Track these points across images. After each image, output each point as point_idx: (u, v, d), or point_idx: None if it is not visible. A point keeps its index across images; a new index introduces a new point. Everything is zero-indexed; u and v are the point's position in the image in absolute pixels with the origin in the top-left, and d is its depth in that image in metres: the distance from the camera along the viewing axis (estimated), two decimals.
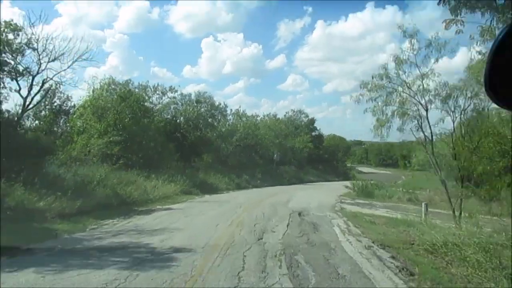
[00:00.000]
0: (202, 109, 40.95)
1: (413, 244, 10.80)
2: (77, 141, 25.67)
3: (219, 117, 43.28)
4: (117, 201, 16.94)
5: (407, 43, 17.32)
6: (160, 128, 33.28)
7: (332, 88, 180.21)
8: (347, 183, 52.03)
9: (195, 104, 39.92)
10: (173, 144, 32.90)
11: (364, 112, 17.99)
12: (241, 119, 45.56)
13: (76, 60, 20.11)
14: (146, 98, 34.97)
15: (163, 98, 38.19)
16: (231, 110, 45.74)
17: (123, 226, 12.37)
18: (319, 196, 27.74)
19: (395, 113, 16.82)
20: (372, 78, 17.40)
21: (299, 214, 17.22)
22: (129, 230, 11.39)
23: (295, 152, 54.32)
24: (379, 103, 16.95)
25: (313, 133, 62.47)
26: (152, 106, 36.06)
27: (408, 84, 17.09)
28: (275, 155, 43.95)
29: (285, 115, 61.74)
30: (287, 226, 13.37)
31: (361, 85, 17.87)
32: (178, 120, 37.49)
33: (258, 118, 50.89)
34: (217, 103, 42.38)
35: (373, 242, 11.24)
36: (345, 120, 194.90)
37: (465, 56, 25.41)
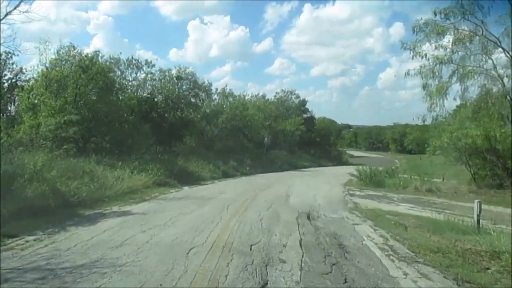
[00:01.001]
0: (184, 87, 35.81)
1: None
2: (24, 121, 20.56)
3: (203, 96, 38.11)
4: (56, 202, 11.81)
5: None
6: (132, 106, 28.13)
7: (319, 71, 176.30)
8: (348, 168, 47.64)
9: (176, 81, 34.71)
10: (149, 126, 27.83)
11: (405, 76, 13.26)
12: (227, 98, 40.38)
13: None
14: (118, 72, 29.73)
15: (139, 74, 32.78)
16: (216, 89, 40.59)
17: (35, 252, 7.35)
18: (321, 186, 23.06)
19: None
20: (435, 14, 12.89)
21: (308, 216, 12.49)
22: (32, 268, 6.40)
23: (286, 136, 49.63)
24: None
25: (305, 115, 57.67)
26: (125, 82, 30.84)
27: None
28: (265, 138, 39.03)
29: (275, 96, 56.79)
30: (300, 245, 8.52)
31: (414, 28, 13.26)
32: (155, 99, 32.25)
33: (247, 98, 45.88)
34: (200, 81, 37.20)
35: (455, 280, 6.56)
36: (331, 104, 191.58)
37: None
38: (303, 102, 58.22)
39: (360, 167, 27.29)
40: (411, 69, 22.56)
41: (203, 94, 37.94)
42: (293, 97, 57.43)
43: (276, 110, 52.48)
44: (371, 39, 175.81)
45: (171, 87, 33.73)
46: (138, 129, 26.59)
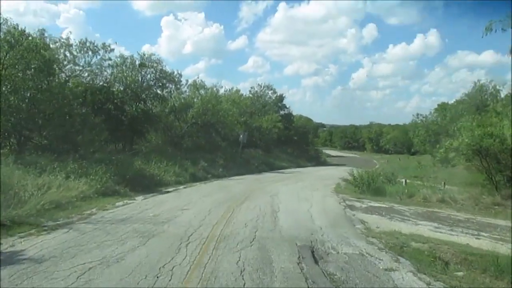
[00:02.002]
0: (149, 76, 30.82)
1: None
2: None
3: (172, 88, 33.22)
4: None
5: None
6: (82, 96, 23.00)
7: (293, 70, 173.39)
8: (330, 170, 43.57)
9: (138, 69, 29.67)
10: (102, 119, 22.83)
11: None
12: (198, 91, 35.36)
13: None
14: (69, 56, 24.42)
15: (95, 59, 27.45)
16: (186, 80, 35.55)
17: None
18: (311, 194, 18.57)
19: None
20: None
21: (313, 254, 8.02)
22: None
23: (263, 133, 45.13)
24: None
25: (282, 112, 53.24)
26: (77, 68, 25.56)
27: None
28: (241, 136, 34.27)
29: (250, 91, 52.08)
30: None
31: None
32: (112, 88, 27.09)
33: (221, 91, 41.10)
34: (169, 70, 32.26)
35: None
36: (304, 103, 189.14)
37: None
38: (281, 98, 53.77)
39: (355, 170, 23.00)
40: None
41: (171, 85, 33.11)
42: (270, 92, 52.94)
43: (252, 105, 47.91)
44: (344, 39, 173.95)
45: (133, 75, 28.68)
46: (88, 122, 21.65)
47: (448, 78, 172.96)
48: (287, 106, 55.11)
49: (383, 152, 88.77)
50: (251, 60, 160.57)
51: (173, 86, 33.41)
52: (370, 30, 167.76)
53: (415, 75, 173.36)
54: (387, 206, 16.70)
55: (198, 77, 35.12)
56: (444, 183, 24.23)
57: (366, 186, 19.89)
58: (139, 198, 14.76)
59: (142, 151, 25.67)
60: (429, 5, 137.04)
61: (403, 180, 23.61)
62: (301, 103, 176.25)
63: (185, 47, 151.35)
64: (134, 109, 27.60)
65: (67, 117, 19.81)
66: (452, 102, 55.77)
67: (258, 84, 53.12)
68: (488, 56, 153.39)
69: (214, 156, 31.66)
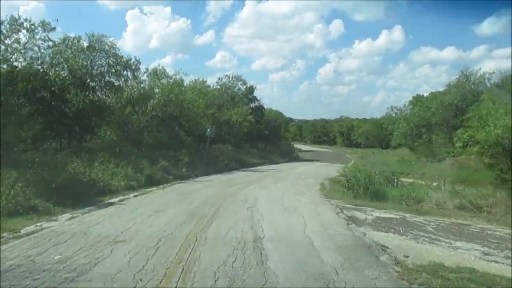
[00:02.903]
0: (100, 61, 25.94)
1: None
2: None
3: (128, 77, 28.44)
4: None
5: None
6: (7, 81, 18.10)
7: (261, 65, 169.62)
8: (305, 165, 39.62)
9: (87, 52, 24.80)
10: (33, 108, 18.04)
11: None
12: (160, 80, 30.65)
13: None
14: None
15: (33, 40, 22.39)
16: (146, 69, 30.77)
17: None
18: (298, 201, 14.52)
19: None
20: None
21: None
22: None
23: (232, 127, 40.84)
24: None
25: (253, 104, 48.98)
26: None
27: None
28: (208, 130, 29.75)
29: (217, 82, 47.53)
30: None
31: None
32: (52, 73, 22.10)
33: (186, 81, 36.51)
34: (125, 57, 27.45)
35: None
36: (272, 98, 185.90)
37: None
38: (251, 90, 49.45)
39: (347, 169, 19.12)
40: None
41: (128, 73, 28.32)
42: (239, 83, 48.50)
43: (220, 97, 43.49)
44: (311, 35, 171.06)
45: (78, 59, 23.79)
46: (14, 115, 16.88)
47: (412, 73, 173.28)
48: (258, 99, 50.97)
49: (354, 146, 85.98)
50: (219, 55, 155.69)
51: (131, 75, 28.63)
52: (337, 26, 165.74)
53: (380, 70, 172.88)
54: (398, 217, 12.80)
55: (159, 65, 29.94)
56: (444, 182, 20.74)
57: (363, 189, 15.91)
58: (64, 217, 10.19)
59: (85, 149, 20.87)
60: (393, 2, 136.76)
61: (403, 181, 19.91)
62: (269, 98, 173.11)
63: (151, 42, 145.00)
64: (80, 99, 22.83)
65: None
66: (427, 95, 53.35)
67: (226, 75, 48.58)
68: (449, 52, 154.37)
69: (177, 153, 27.22)
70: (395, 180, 18.25)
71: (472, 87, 32.91)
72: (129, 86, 28.51)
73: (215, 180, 21.55)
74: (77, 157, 16.88)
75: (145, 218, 9.96)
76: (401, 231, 10.63)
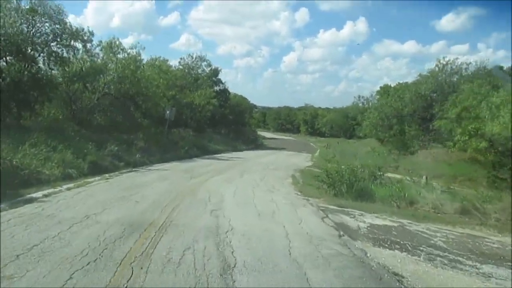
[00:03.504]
0: (43, 29, 22.16)
1: None
2: None
3: (77, 48, 24.73)
4: None
5: None
6: None
7: (226, 50, 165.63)
8: (271, 154, 36.97)
9: (27, 16, 21.01)
10: None
11: None
12: (115, 55, 26.97)
13: None
14: None
15: None
16: (100, 42, 26.98)
17: None
18: (274, 203, 11.75)
19: None
20: None
21: None
22: None
23: (195, 111, 37.66)
24: None
25: (217, 87, 45.80)
26: None
27: None
28: (167, 112, 26.51)
29: (180, 62, 43.97)
30: None
31: None
32: None
33: (145, 58, 32.95)
34: (74, 26, 23.73)
35: None
36: (236, 83, 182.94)
37: None
38: (216, 72, 46.17)
39: (317, 159, 16.61)
40: None
41: (78, 44, 24.64)
42: (204, 64, 45.09)
43: (183, 78, 40.09)
44: (277, 22, 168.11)
45: (15, 22, 20.02)
46: None
47: (374, 65, 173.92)
48: (223, 82, 47.78)
49: (318, 135, 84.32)
50: (183, 37, 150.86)
51: (82, 46, 24.97)
52: (303, 15, 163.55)
53: (344, 61, 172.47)
54: (395, 224, 10.38)
55: (114, 37, 26.25)
56: (427, 178, 18.72)
57: (347, 186, 13.37)
58: None
59: (21, 129, 17.39)
60: None
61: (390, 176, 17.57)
62: (233, 83, 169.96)
63: (113, 20, 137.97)
64: (17, 70, 19.20)
65: None
66: (395, 85, 51.94)
67: (190, 55, 44.98)
68: (410, 46, 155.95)
69: (132, 137, 24.07)
70: (381, 176, 15.79)
71: (449, 77, 31.21)
72: (79, 59, 24.86)
73: (172, 170, 18.55)
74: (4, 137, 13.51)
75: (65, 228, 6.93)
76: (409, 248, 8.18)
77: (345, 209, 11.65)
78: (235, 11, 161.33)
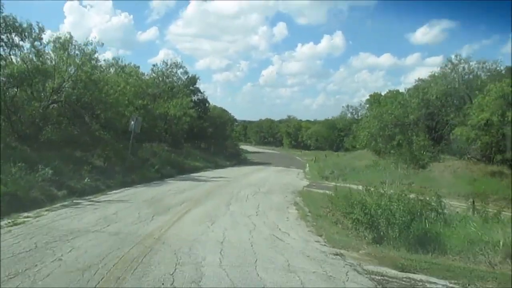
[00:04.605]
0: None
1: None
2: None
3: (18, 45, 19.67)
4: None
5: None
6: None
7: (205, 65, 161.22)
8: (258, 171, 31.24)
9: None
10: None
11: None
12: (69, 54, 21.51)
13: None
14: None
15: None
16: (53, 35, 21.45)
17: None
18: (287, 260, 6.56)
19: None
20: None
21: None
22: None
23: (170, 123, 32.51)
24: None
25: (195, 97, 40.64)
26: None
27: None
28: (132, 122, 20.96)
29: (152, 69, 38.60)
30: None
31: None
32: None
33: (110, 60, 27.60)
34: (19, 20, 18.85)
35: None
36: (215, 97, 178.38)
37: None
38: (193, 80, 40.96)
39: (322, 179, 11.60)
40: None
41: (22, 42, 19.67)
42: (180, 72, 39.80)
43: (156, 86, 34.89)
44: (256, 36, 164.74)
45: None
46: None
47: (351, 78, 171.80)
48: (202, 91, 42.61)
49: (302, 148, 79.62)
50: (162, 52, 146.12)
51: (29, 44, 19.89)
52: (281, 29, 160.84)
53: (321, 74, 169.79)
54: None
55: (66, 33, 20.77)
56: (474, 202, 13.97)
57: (399, 229, 8.29)
58: None
59: None
60: (335, 8, 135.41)
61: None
62: (212, 98, 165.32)
63: (91, 36, 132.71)
64: None
65: None
66: (385, 93, 48.44)
67: (164, 62, 39.66)
68: (386, 59, 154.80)
69: (86, 154, 18.82)
70: (443, 207, 10.64)
71: (461, 77, 26.92)
72: (21, 59, 19.61)
73: (131, 200, 13.21)
74: None
75: None
76: None
77: (414, 277, 6.62)
78: (214, 25, 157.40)
